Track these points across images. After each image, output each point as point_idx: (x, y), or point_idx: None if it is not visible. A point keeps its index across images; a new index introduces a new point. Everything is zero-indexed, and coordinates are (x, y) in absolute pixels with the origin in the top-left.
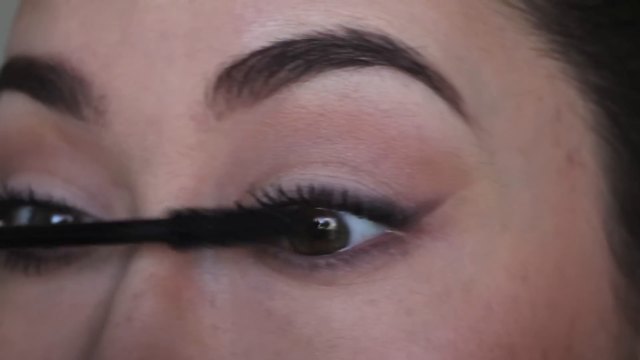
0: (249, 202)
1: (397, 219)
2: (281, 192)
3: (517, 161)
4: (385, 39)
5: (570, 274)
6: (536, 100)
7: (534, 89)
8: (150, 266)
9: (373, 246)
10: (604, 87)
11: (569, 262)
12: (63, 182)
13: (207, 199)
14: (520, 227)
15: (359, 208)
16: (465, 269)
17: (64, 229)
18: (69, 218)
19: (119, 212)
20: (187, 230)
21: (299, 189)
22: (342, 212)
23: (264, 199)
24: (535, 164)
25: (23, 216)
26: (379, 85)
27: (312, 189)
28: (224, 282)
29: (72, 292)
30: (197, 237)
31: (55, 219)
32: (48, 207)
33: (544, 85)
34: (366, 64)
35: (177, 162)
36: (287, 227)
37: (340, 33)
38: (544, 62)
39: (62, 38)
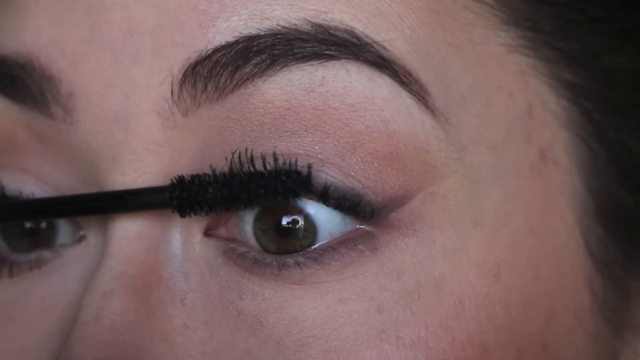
0: None
1: (365, 212)
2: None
3: (487, 157)
4: (350, 32)
5: (544, 272)
6: (506, 96)
7: (504, 85)
8: (119, 264)
9: (341, 243)
10: (577, 83)
11: (543, 260)
12: (35, 179)
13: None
14: (491, 224)
15: (326, 196)
16: (436, 266)
17: (65, 201)
18: None
19: None
20: (188, 195)
21: (265, 168)
22: (307, 202)
23: (245, 167)
24: (506, 161)
25: None
26: (344, 80)
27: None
28: (195, 281)
29: (42, 295)
30: (198, 201)
31: None
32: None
33: (515, 81)
34: (331, 58)
35: (145, 159)
36: (284, 188)
37: (305, 27)
38: (514, 58)
39: (31, 36)
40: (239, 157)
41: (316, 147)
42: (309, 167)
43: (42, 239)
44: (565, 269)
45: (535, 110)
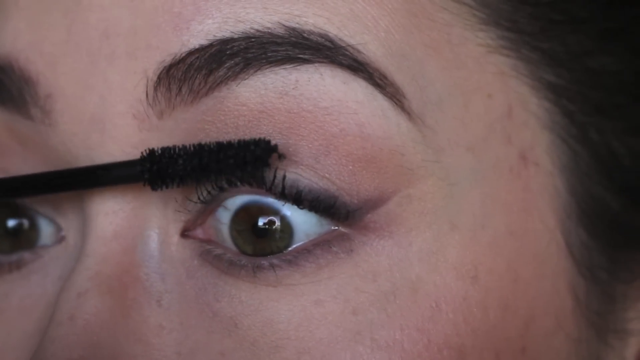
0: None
1: (340, 213)
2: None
3: (465, 159)
4: (324, 36)
5: (524, 274)
6: (485, 97)
7: (482, 86)
8: (95, 264)
9: (316, 245)
10: (560, 84)
11: (523, 262)
12: None
13: (152, 197)
14: (470, 226)
15: (300, 198)
16: (412, 268)
17: (41, 178)
18: (25, 220)
19: (67, 212)
20: (159, 168)
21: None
22: (283, 204)
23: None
24: (485, 162)
25: None
26: (318, 83)
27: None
28: (171, 282)
29: (21, 296)
30: (169, 173)
31: (11, 222)
32: None
33: (494, 82)
34: (305, 61)
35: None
36: (253, 156)
37: (279, 31)
38: (493, 58)
39: (10, 38)
40: None
41: (290, 150)
42: (283, 178)
43: (23, 240)
44: (546, 272)
45: (516, 112)
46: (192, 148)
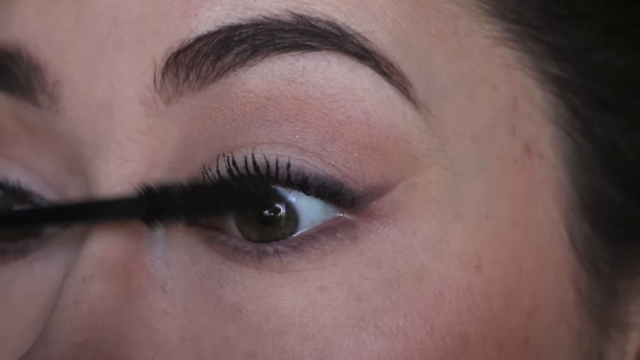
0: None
1: (345, 200)
2: (232, 167)
3: (470, 149)
4: (332, 24)
5: (527, 265)
6: (491, 88)
7: (488, 77)
8: (101, 250)
9: (321, 231)
10: (564, 78)
11: (526, 253)
12: (22, 167)
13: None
14: (474, 216)
15: (306, 184)
16: (416, 256)
17: (35, 212)
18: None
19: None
20: (157, 207)
21: (247, 165)
22: (290, 191)
23: (215, 176)
24: (490, 153)
25: None
26: (325, 70)
27: (256, 165)
28: (176, 268)
29: (26, 283)
30: (168, 212)
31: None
32: (3, 188)
33: (499, 74)
34: (312, 48)
35: (128, 147)
36: (254, 197)
37: (287, 18)
38: (499, 50)
39: (19, 26)
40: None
41: (297, 137)
42: (288, 166)
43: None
44: (549, 263)
45: (521, 104)
46: (190, 189)
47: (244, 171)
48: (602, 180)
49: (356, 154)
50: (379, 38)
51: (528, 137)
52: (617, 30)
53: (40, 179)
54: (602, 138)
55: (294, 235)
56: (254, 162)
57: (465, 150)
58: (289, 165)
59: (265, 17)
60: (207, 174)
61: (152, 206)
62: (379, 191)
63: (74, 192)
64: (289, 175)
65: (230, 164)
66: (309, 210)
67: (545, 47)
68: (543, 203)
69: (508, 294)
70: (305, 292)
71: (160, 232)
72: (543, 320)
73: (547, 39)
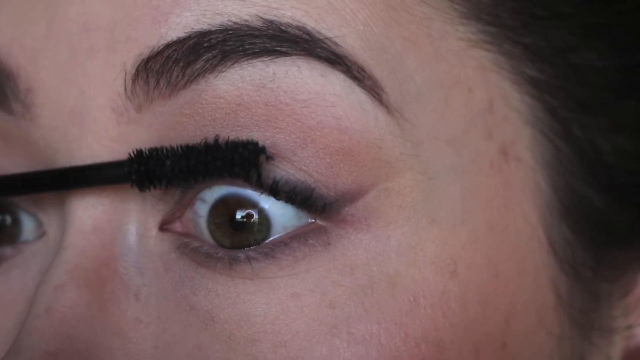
0: None
1: (317, 206)
2: None
3: (445, 153)
4: (302, 29)
5: (504, 270)
6: (466, 91)
7: (463, 80)
8: (73, 258)
9: (293, 238)
10: (542, 80)
11: (503, 258)
12: None
13: (131, 191)
14: (449, 221)
15: (276, 189)
16: (390, 262)
17: (28, 177)
18: (7, 217)
19: (48, 207)
20: (146, 169)
21: None
22: (260, 194)
23: None
24: (465, 157)
25: None
26: (295, 76)
27: None
28: (149, 276)
29: (2, 291)
30: (157, 175)
31: None
32: None
33: (475, 77)
34: (283, 54)
35: (100, 155)
36: (241, 159)
37: (256, 23)
38: (474, 53)
39: None
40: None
41: (268, 142)
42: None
43: (5, 236)
44: (527, 268)
45: (497, 106)
46: (179, 149)
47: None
48: (582, 183)
49: (328, 160)
50: (350, 42)
51: (505, 140)
52: (597, 31)
53: None
54: (582, 140)
55: (266, 241)
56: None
57: (440, 155)
58: (264, 146)
59: (235, 23)
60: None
61: (142, 168)
62: (351, 197)
63: (48, 200)
64: (259, 176)
65: None
66: (282, 216)
67: (522, 49)
68: (521, 207)
69: (485, 299)
70: (277, 299)
71: (133, 239)
72: (521, 326)
73: (524, 40)
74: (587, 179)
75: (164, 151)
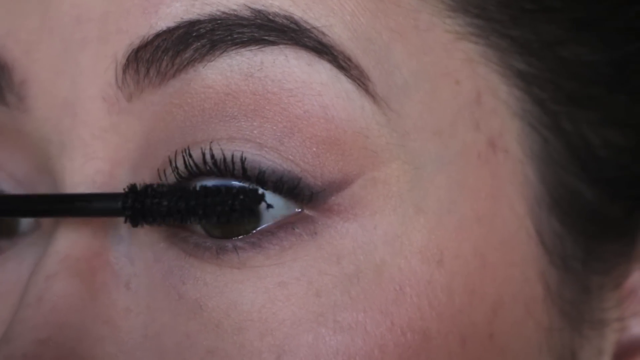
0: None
1: (304, 195)
2: (189, 162)
3: (432, 144)
4: (289, 18)
5: (491, 260)
6: (453, 83)
7: (450, 72)
8: (65, 248)
9: (280, 227)
10: (530, 73)
11: (490, 248)
12: None
13: (123, 182)
14: (435, 211)
15: (263, 179)
16: (377, 251)
17: (13, 200)
18: None
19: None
20: (142, 206)
21: (204, 159)
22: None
23: (174, 172)
24: (452, 148)
25: None
26: (283, 65)
27: (214, 159)
28: (140, 265)
29: None
30: (152, 213)
31: None
32: None
33: (462, 69)
34: (270, 43)
35: (92, 145)
36: (242, 206)
37: (245, 13)
38: (461, 45)
39: None
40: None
41: (255, 132)
42: (243, 160)
43: (4, 230)
44: (515, 259)
45: (484, 98)
46: (178, 191)
47: (201, 165)
48: (572, 176)
49: (314, 149)
50: (337, 32)
51: (492, 132)
52: (587, 25)
53: (11, 178)
54: (572, 133)
55: (254, 231)
56: (212, 156)
57: (427, 145)
58: (244, 159)
59: (224, 12)
60: (164, 171)
61: (137, 205)
62: (337, 186)
63: (43, 191)
64: (244, 170)
65: (188, 157)
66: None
67: (510, 42)
68: (508, 198)
69: (472, 289)
70: (264, 287)
71: (124, 229)
72: (509, 316)
73: (512, 33)
74: (577, 172)
75: (161, 188)
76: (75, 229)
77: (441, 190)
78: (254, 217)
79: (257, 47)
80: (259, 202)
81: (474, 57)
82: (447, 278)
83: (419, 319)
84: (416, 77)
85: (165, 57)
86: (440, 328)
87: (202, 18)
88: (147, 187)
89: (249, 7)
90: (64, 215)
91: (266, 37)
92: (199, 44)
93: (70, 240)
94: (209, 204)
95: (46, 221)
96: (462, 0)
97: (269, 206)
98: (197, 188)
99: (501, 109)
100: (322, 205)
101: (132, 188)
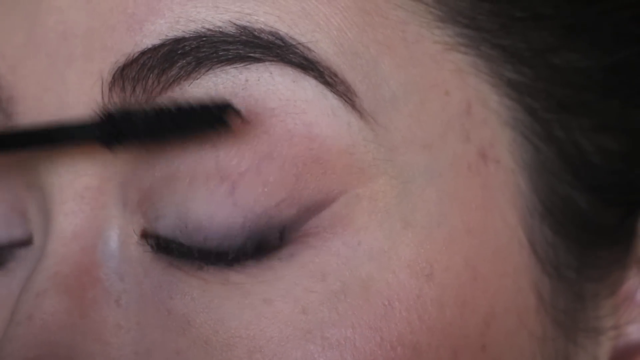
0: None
1: (273, 246)
2: None
3: (420, 157)
4: (275, 34)
5: (483, 272)
6: (442, 94)
7: (439, 83)
8: (54, 265)
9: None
10: (521, 82)
11: (482, 260)
12: None
13: (112, 198)
14: (424, 224)
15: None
16: (362, 267)
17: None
18: None
19: (33, 216)
20: (118, 129)
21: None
22: None
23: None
24: (442, 160)
25: None
26: (267, 82)
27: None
28: (130, 281)
29: None
30: (128, 135)
31: None
32: None
33: (452, 80)
34: (256, 60)
35: (80, 162)
36: (213, 119)
37: (230, 29)
38: (451, 56)
39: None
40: None
41: (233, 162)
42: None
43: None
44: (507, 269)
45: (475, 109)
46: (152, 111)
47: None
48: (564, 184)
49: (294, 171)
50: (323, 47)
51: (483, 143)
52: (578, 31)
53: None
54: (564, 141)
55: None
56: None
57: (415, 158)
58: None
59: (209, 29)
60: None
61: (113, 129)
62: (316, 208)
63: (33, 208)
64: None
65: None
66: None
67: (500, 51)
68: (499, 208)
69: (463, 301)
70: (250, 304)
71: (114, 245)
72: (502, 327)
73: (503, 42)
74: (570, 180)
75: (136, 112)
76: (64, 244)
77: (430, 203)
78: (227, 127)
79: (242, 64)
80: (227, 109)
81: (463, 68)
82: (438, 291)
83: (409, 333)
84: (405, 90)
85: (151, 75)
86: (431, 341)
87: (187, 35)
88: (123, 111)
89: (234, 24)
90: (43, 145)
91: (251, 54)
92: (184, 61)
93: (59, 257)
94: (179, 123)
95: (37, 236)
96: (451, 11)
97: (238, 112)
98: (170, 109)
99: (492, 119)
100: (295, 234)
101: (108, 114)
